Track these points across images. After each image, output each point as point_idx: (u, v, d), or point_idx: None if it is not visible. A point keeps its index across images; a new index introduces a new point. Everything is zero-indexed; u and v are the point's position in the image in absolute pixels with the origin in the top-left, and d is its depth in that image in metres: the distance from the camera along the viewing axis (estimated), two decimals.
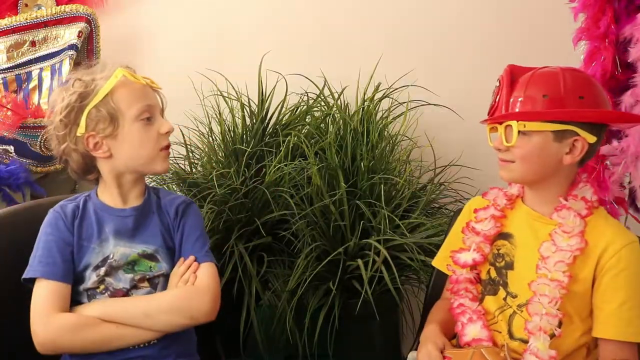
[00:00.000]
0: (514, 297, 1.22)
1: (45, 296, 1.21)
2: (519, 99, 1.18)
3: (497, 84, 1.22)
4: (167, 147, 1.30)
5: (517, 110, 1.18)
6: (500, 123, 1.20)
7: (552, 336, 1.15)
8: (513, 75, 1.20)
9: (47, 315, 1.20)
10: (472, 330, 1.23)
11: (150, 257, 1.28)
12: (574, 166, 1.21)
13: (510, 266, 1.25)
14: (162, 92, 1.33)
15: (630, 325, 1.16)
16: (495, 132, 1.22)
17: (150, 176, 1.82)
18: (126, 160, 1.27)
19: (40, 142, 1.93)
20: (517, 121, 1.16)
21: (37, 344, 1.20)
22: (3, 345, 1.26)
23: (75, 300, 1.26)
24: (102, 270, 1.25)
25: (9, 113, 1.94)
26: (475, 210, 1.32)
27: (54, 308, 1.20)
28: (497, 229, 1.28)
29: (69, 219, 1.27)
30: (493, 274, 1.27)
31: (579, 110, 1.15)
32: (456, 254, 1.30)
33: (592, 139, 1.16)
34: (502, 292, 1.25)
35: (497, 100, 1.22)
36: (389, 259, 1.60)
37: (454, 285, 1.30)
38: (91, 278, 1.25)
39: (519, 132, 1.17)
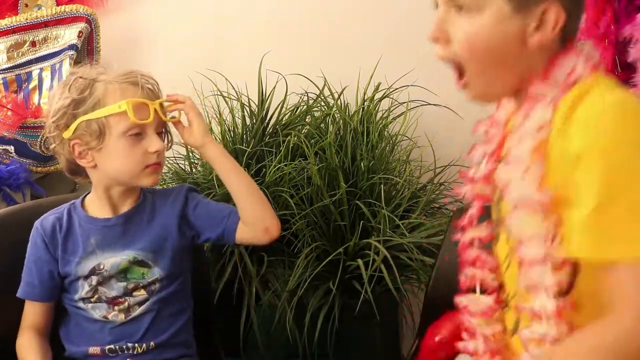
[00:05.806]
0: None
1: (24, 313, 1.28)
2: None
3: None
4: (156, 164, 1.25)
5: None
6: None
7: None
8: None
9: (20, 331, 1.27)
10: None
11: (142, 263, 1.26)
12: (553, 46, 0.83)
13: (502, 196, 0.91)
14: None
15: (609, 234, 0.71)
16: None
17: None
18: (109, 172, 1.25)
19: (40, 142, 1.92)
20: None
21: None
22: (5, 346, 1.26)
23: (74, 309, 1.27)
24: (94, 280, 1.25)
25: (9, 113, 1.94)
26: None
27: (27, 325, 1.27)
28: (495, 164, 0.95)
29: (49, 235, 1.27)
30: (494, 210, 0.96)
31: None
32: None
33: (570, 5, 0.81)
34: (504, 233, 0.91)
35: None
36: (389, 258, 1.60)
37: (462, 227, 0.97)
38: (84, 287, 1.25)
39: (457, 7, 0.85)
